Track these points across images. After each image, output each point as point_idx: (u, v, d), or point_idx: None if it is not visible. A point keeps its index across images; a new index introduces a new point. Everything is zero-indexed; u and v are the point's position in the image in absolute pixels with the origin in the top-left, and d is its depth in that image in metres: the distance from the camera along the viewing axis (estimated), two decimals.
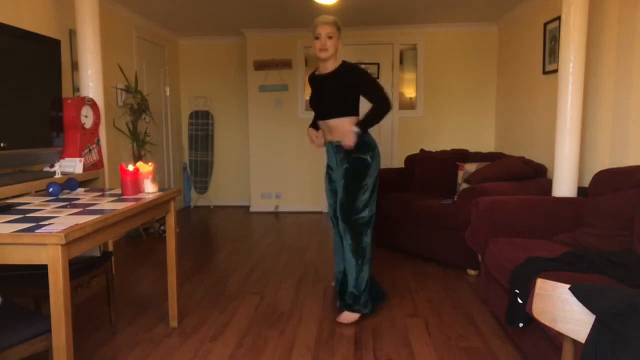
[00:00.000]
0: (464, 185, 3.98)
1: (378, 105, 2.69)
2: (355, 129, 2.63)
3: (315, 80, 2.88)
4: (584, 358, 1.01)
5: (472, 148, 5.09)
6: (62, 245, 1.57)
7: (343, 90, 2.72)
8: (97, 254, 2.49)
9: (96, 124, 3.30)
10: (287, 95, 6.11)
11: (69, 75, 3.77)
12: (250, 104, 6.13)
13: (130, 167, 2.39)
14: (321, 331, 2.62)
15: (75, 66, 3.79)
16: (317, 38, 2.72)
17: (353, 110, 2.76)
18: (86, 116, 3.20)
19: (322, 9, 4.81)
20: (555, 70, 3.66)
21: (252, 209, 6.24)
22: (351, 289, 2.76)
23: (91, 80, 3.40)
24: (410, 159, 4.92)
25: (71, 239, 1.60)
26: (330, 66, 2.77)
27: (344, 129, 2.70)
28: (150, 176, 2.45)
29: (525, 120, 4.76)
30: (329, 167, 2.96)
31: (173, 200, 2.59)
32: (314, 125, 2.98)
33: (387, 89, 5.96)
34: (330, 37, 2.69)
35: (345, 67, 2.76)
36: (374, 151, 2.76)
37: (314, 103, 2.88)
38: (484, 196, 3.08)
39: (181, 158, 6.45)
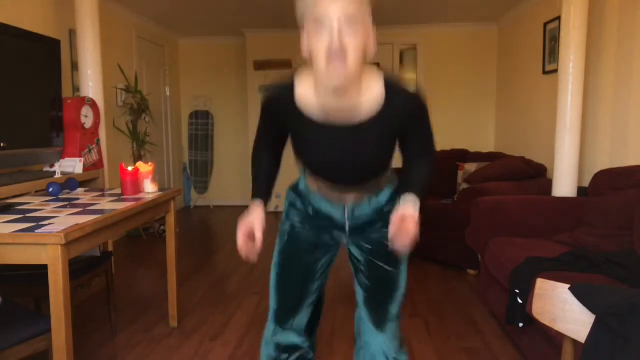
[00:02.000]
0: (464, 185, 3.98)
1: (432, 158, 1.43)
2: (415, 214, 1.25)
3: (321, 126, 1.27)
4: (584, 358, 1.01)
5: (472, 148, 5.09)
6: (62, 245, 1.56)
7: (392, 137, 1.34)
8: (97, 254, 2.49)
9: (96, 124, 3.30)
10: None
11: (69, 75, 3.77)
12: (250, 104, 6.13)
13: (130, 167, 2.39)
14: (321, 331, 2.61)
15: (75, 66, 3.79)
16: (318, 25, 1.10)
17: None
18: (86, 116, 3.20)
19: None
20: (555, 70, 3.66)
21: None
22: None
23: (91, 80, 3.40)
24: None
25: (71, 239, 1.60)
26: (363, 98, 1.22)
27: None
28: (150, 176, 2.45)
29: (525, 120, 4.76)
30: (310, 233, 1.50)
31: (173, 200, 2.59)
32: (260, 189, 1.43)
33: None
34: (353, 26, 1.09)
35: (396, 93, 1.24)
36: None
37: (319, 158, 1.35)
38: (484, 196, 3.08)
39: (181, 158, 6.44)
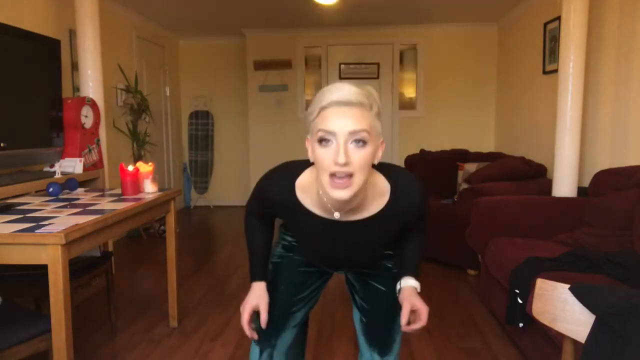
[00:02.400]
0: (464, 185, 3.98)
1: (424, 238, 1.43)
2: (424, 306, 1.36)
3: (321, 221, 1.25)
4: (584, 358, 1.01)
5: (472, 148, 5.09)
6: (62, 245, 1.56)
7: (394, 231, 1.33)
8: (97, 254, 2.49)
9: (96, 124, 3.30)
10: (287, 95, 6.10)
11: (69, 75, 3.77)
12: (250, 104, 6.13)
13: (130, 167, 2.39)
14: (321, 331, 2.62)
15: (75, 66, 3.79)
16: (323, 140, 1.07)
17: None
18: (86, 116, 3.20)
19: (322, 9, 4.81)
20: (555, 70, 3.66)
21: None
22: None
23: (91, 80, 3.40)
24: (410, 159, 4.92)
25: (71, 239, 1.60)
26: (367, 201, 1.20)
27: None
28: (150, 176, 2.45)
29: (525, 120, 4.76)
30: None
31: (173, 200, 2.59)
32: (259, 268, 1.42)
33: (387, 89, 5.99)
34: (361, 143, 1.06)
35: (401, 196, 1.22)
36: None
37: (317, 247, 1.36)
38: (484, 196, 3.08)
39: (181, 158, 6.44)
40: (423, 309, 1.31)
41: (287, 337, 1.45)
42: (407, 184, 1.23)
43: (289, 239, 1.50)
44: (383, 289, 1.43)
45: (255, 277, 1.40)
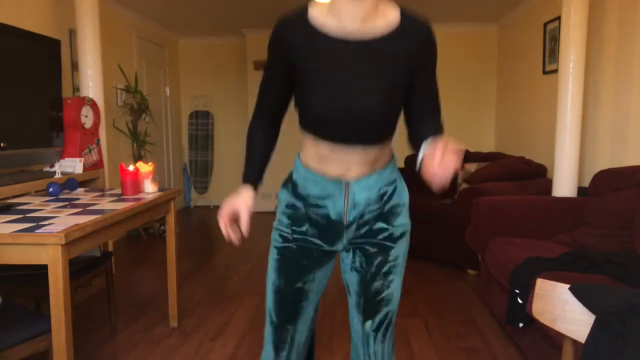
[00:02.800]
0: (464, 185, 3.98)
1: (441, 120, 1.33)
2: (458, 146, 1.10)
3: (331, 47, 1.18)
4: (584, 358, 1.01)
5: (472, 148, 5.09)
6: (62, 245, 1.57)
7: (404, 75, 1.21)
8: (97, 254, 2.49)
9: (96, 124, 3.30)
10: None
11: (69, 75, 3.77)
12: (250, 104, 6.13)
13: (131, 167, 2.40)
14: (321, 331, 2.62)
15: (75, 66, 3.79)
16: None
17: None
18: (86, 116, 3.20)
19: None
20: (555, 70, 3.66)
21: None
22: None
23: (91, 80, 3.40)
24: (410, 159, 4.92)
25: (71, 239, 1.60)
26: (378, 17, 1.17)
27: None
28: (150, 176, 2.45)
29: (525, 120, 4.76)
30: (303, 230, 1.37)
31: (173, 200, 2.59)
32: (251, 171, 1.42)
33: None
34: None
35: (411, 19, 1.20)
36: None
37: (324, 100, 1.19)
38: (484, 196, 3.08)
39: (181, 158, 6.44)
40: (450, 145, 1.06)
41: (300, 337, 1.41)
42: (418, 15, 1.22)
43: (286, 221, 1.41)
44: (384, 282, 1.36)
45: (244, 179, 1.35)
